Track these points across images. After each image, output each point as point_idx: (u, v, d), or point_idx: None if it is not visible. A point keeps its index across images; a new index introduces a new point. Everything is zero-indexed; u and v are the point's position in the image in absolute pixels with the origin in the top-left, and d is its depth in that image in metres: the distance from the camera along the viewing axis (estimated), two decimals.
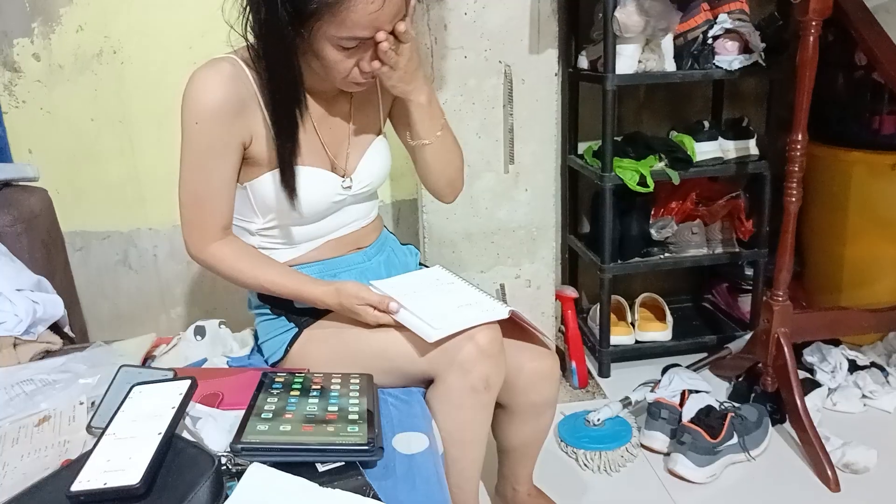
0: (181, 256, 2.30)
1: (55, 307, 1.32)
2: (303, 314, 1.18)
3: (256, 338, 1.29)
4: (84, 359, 1.19)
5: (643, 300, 2.17)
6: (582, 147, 2.16)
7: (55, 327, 1.37)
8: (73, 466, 0.75)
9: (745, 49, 1.82)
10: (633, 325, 2.08)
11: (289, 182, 1.07)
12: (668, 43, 1.82)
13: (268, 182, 1.10)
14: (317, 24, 0.94)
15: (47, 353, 1.28)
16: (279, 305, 1.19)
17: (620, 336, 2.05)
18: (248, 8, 0.99)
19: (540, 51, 1.69)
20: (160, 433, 0.78)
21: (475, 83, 1.69)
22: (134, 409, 0.84)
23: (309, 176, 1.11)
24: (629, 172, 1.84)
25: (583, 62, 1.96)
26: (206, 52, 2.06)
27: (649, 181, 1.82)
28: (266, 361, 1.22)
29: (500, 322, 1.06)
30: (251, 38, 1.02)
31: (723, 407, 1.65)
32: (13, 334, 1.24)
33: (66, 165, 2.15)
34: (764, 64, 1.82)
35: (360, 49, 0.99)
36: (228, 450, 0.83)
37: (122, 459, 0.75)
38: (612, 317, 2.07)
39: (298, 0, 0.92)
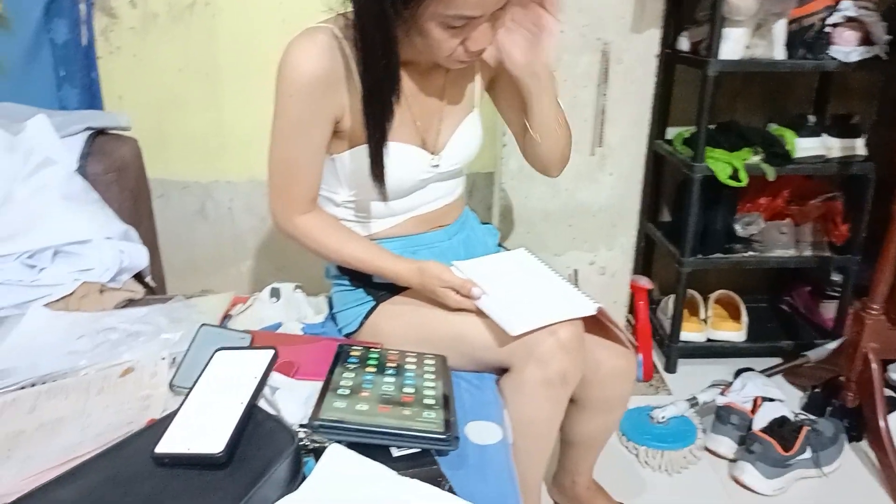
0: (256, 211, 2.34)
1: (140, 257, 1.35)
2: (380, 288, 1.17)
3: (331, 306, 1.29)
4: (165, 312, 1.21)
5: (718, 297, 2.09)
6: (671, 132, 2.07)
7: (137, 276, 1.40)
8: (158, 427, 0.76)
9: (865, 40, 1.69)
10: (706, 322, 2.01)
11: (377, 160, 1.05)
12: (780, 28, 1.70)
13: (356, 156, 1.08)
14: (423, 2, 0.90)
15: (130, 302, 1.31)
16: (358, 277, 1.18)
17: (691, 332, 1.98)
18: None
19: (641, 30, 1.61)
20: (242, 403, 0.78)
21: (569, 60, 1.63)
22: (217, 374, 0.84)
23: (398, 152, 1.08)
24: (721, 164, 1.75)
25: (683, 44, 1.86)
26: (296, 7, 2.07)
27: (742, 175, 1.73)
28: (339, 331, 1.22)
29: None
30: (349, 8, 0.99)
31: (798, 419, 1.58)
32: (100, 281, 1.28)
33: (153, 113, 2.19)
34: (886, 58, 1.69)
35: (466, 28, 0.94)
36: (305, 423, 0.83)
37: (205, 426, 0.75)
38: (684, 311, 2.00)
39: None
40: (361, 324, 1.17)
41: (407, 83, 1.10)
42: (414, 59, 1.07)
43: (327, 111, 1.03)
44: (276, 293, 1.32)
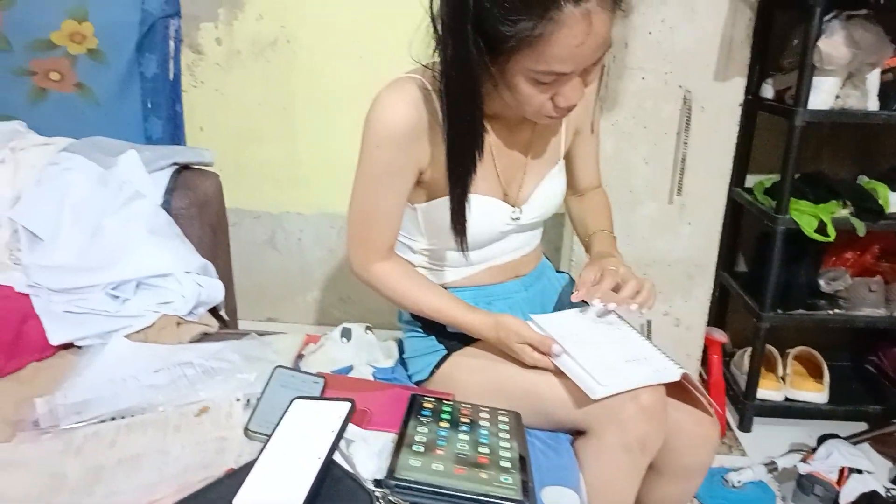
0: (324, 243, 2.37)
1: (217, 292, 1.37)
2: (452, 337, 1.15)
3: (401, 350, 1.27)
4: (239, 349, 1.22)
5: (797, 353, 1.99)
6: (751, 180, 2.00)
7: (212, 309, 1.43)
8: (236, 478, 0.76)
9: None
10: (784, 380, 1.91)
11: (459, 213, 1.03)
12: (873, 78, 1.63)
13: (437, 207, 1.07)
14: (513, 57, 0.88)
15: (205, 335, 1.33)
16: (430, 325, 1.17)
17: (768, 390, 1.88)
18: (434, 33, 0.94)
19: (726, 78, 1.57)
20: (320, 458, 0.77)
21: (651, 106, 1.60)
22: (294, 425, 0.84)
23: (479, 204, 1.07)
24: (807, 217, 1.67)
25: (767, 91, 1.81)
26: (372, 47, 2.11)
27: (830, 230, 1.65)
28: (410, 377, 1.20)
29: None
30: (436, 60, 0.98)
31: (890, 494, 1.47)
32: (178, 314, 1.30)
33: (231, 145, 2.26)
34: None
35: (556, 83, 0.92)
36: (381, 480, 0.81)
37: (283, 479, 0.74)
38: (761, 368, 1.91)
39: (494, 34, 0.86)
40: (432, 372, 1.15)
41: (493, 136, 1.09)
42: (501, 113, 1.06)
43: (412, 162, 1.03)
44: (346, 334, 1.32)
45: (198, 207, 1.46)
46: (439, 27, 0.92)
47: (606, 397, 0.94)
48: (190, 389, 1.07)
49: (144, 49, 2.11)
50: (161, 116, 2.19)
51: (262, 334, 1.30)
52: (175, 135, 2.25)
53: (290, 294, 2.46)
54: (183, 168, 1.54)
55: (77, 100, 2.13)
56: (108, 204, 1.34)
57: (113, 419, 1.00)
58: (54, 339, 1.18)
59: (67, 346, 1.22)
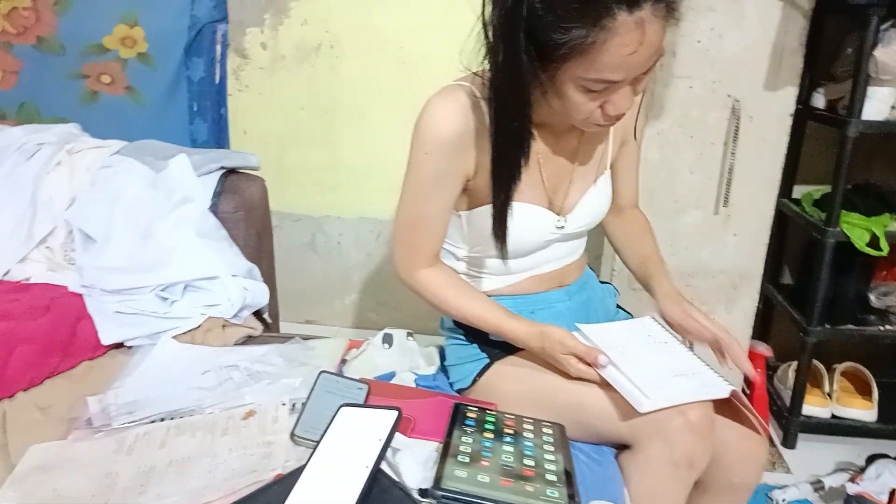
0: (363, 247, 2.39)
1: (262, 295, 1.39)
2: (495, 346, 1.15)
3: (443, 357, 1.28)
4: (283, 353, 1.24)
5: (845, 369, 1.93)
6: (798, 191, 1.95)
7: (256, 312, 1.45)
8: (284, 484, 0.77)
9: None
10: (831, 397, 1.86)
11: (500, 220, 1.03)
12: None
13: (483, 215, 1.07)
14: (564, 64, 0.88)
15: (249, 338, 1.35)
16: (473, 333, 1.17)
17: (814, 406, 1.84)
18: (485, 40, 0.94)
19: (776, 87, 1.54)
20: (368, 467, 0.77)
21: (697, 115, 1.57)
22: (341, 433, 0.85)
23: (524, 212, 1.07)
24: (858, 230, 1.63)
25: (818, 100, 1.76)
26: (415, 53, 2.12)
27: (883, 244, 1.61)
28: (451, 385, 1.20)
29: None
30: (485, 67, 0.98)
31: None
32: (224, 317, 1.33)
33: (274, 148, 2.30)
34: None
35: (606, 91, 0.91)
36: (426, 490, 0.81)
37: (331, 487, 0.75)
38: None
39: (546, 41, 0.85)
40: (474, 381, 1.15)
41: (540, 144, 1.08)
42: (548, 121, 1.06)
43: (460, 169, 1.04)
44: (388, 339, 1.32)
45: (244, 211, 1.48)
46: (490, 33, 0.92)
47: (653, 411, 0.93)
48: (236, 392, 1.08)
49: (192, 53, 2.16)
50: (206, 119, 2.24)
51: (305, 338, 1.31)
52: (219, 137, 2.29)
53: (328, 297, 2.49)
54: (230, 172, 1.56)
55: (126, 102, 2.19)
56: (158, 207, 1.37)
57: (162, 420, 1.02)
58: (106, 338, 1.21)
59: (118, 346, 1.25)
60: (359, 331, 2.49)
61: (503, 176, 1.01)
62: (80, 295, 1.29)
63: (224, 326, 1.33)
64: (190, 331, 1.29)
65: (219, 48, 2.21)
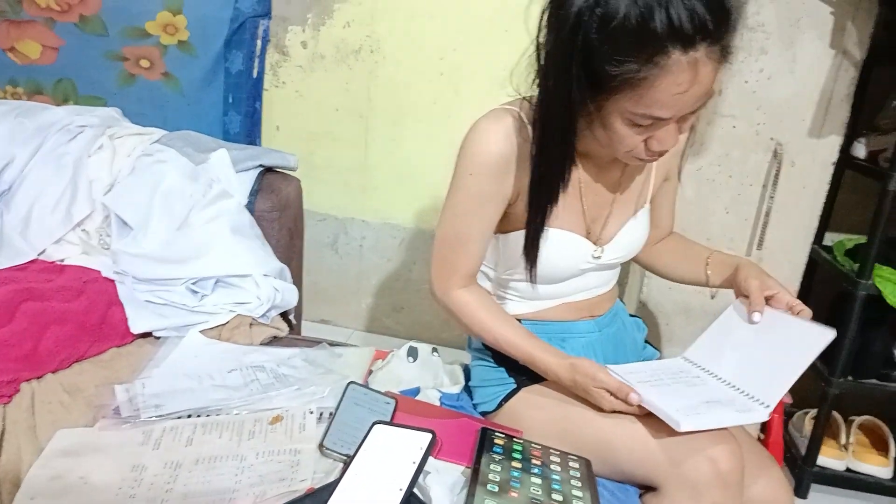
0: (384, 252, 2.39)
1: (292, 297, 1.39)
2: (523, 372, 1.14)
3: (467, 377, 1.27)
4: (310, 358, 1.23)
5: (862, 422, 1.91)
6: (830, 238, 1.94)
7: (283, 313, 1.44)
8: (316, 498, 0.76)
9: None
10: (846, 449, 1.84)
11: (533, 244, 1.03)
12: None
13: (520, 238, 1.07)
14: (613, 96, 0.88)
15: (275, 339, 1.35)
16: (501, 357, 1.16)
17: (829, 458, 1.81)
18: (538, 65, 0.94)
19: (821, 135, 1.53)
20: (401, 490, 0.77)
21: (738, 156, 1.57)
22: (375, 451, 0.84)
23: (561, 239, 1.06)
24: (892, 286, 1.61)
25: (859, 150, 1.75)
26: (454, 64, 2.12)
27: None
28: (475, 407, 1.20)
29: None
30: (535, 92, 0.98)
31: None
32: (253, 315, 1.32)
33: (305, 146, 2.30)
34: None
35: (652, 127, 0.91)
36: None
37: None
38: None
39: (598, 71, 0.85)
40: (500, 405, 1.14)
41: (582, 173, 1.08)
42: (592, 151, 1.06)
43: (503, 192, 1.04)
44: (413, 353, 1.32)
45: (279, 211, 1.48)
46: (543, 58, 0.92)
47: (692, 432, 0.91)
48: (262, 395, 1.08)
49: (232, 46, 2.17)
50: (240, 112, 2.25)
51: (332, 345, 1.31)
52: (252, 131, 2.30)
53: (345, 298, 2.49)
54: (267, 170, 1.56)
55: (163, 88, 2.20)
56: (196, 200, 1.37)
57: (189, 416, 1.01)
58: (136, 327, 1.21)
59: (145, 335, 1.25)
60: (372, 335, 2.49)
61: (540, 200, 1.01)
62: (113, 281, 1.29)
63: (251, 325, 1.33)
64: (217, 326, 1.29)
65: (259, 43, 2.22)
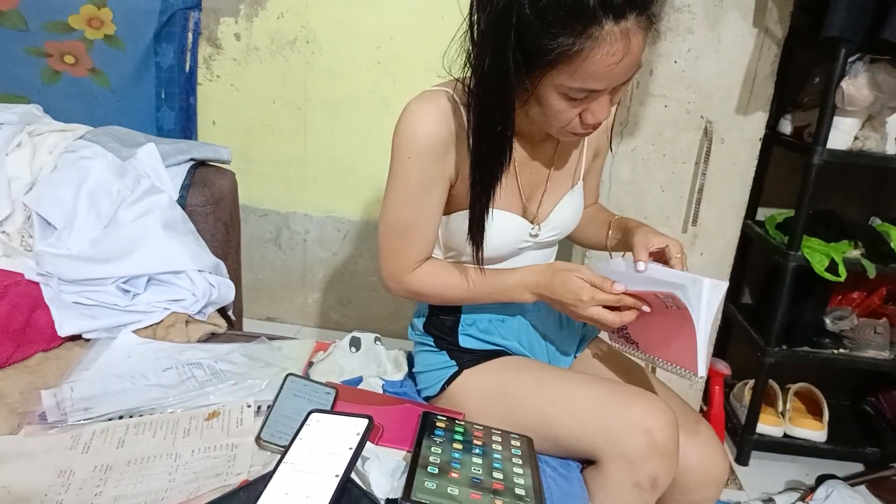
0: (328, 245, 2.36)
1: (228, 292, 1.36)
2: (464, 354, 1.15)
3: (411, 363, 1.27)
4: (249, 352, 1.21)
5: (798, 389, 1.99)
6: (762, 213, 2.00)
7: (220, 309, 1.41)
8: (251, 490, 0.75)
9: None
10: (784, 416, 1.91)
11: (479, 225, 1.03)
12: (893, 122, 1.64)
13: (459, 220, 1.06)
14: (549, 72, 0.88)
15: (213, 335, 1.32)
16: (443, 340, 1.16)
17: (768, 425, 1.88)
18: (471, 46, 0.94)
19: (748, 112, 1.58)
20: (337, 476, 0.76)
21: (671, 135, 1.60)
22: (311, 440, 0.83)
23: (499, 219, 1.06)
24: (819, 255, 1.67)
25: (785, 127, 1.81)
26: (391, 53, 2.11)
27: (842, 270, 1.66)
28: (419, 392, 1.19)
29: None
30: (468, 74, 0.98)
31: None
32: (188, 312, 1.29)
33: (242, 141, 2.26)
34: None
35: (587, 100, 0.92)
36: (396, 498, 0.80)
37: (300, 495, 0.73)
38: None
39: (533, 48, 0.86)
40: (443, 388, 1.14)
41: (517, 152, 1.08)
42: (525, 129, 1.06)
43: (444, 173, 1.03)
44: (356, 343, 1.31)
45: (213, 205, 1.44)
46: (478, 38, 0.92)
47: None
48: (199, 392, 1.05)
49: (162, 39, 2.11)
50: (174, 107, 2.19)
51: (271, 338, 1.29)
52: (187, 127, 2.24)
53: (290, 294, 2.45)
54: (200, 164, 1.52)
55: (90, 84, 2.12)
56: (124, 196, 1.32)
57: (121, 417, 0.98)
58: (63, 330, 1.16)
59: (75, 338, 1.20)
60: (320, 330, 2.46)
61: (483, 181, 1.00)
62: (37, 283, 1.23)
63: (187, 322, 1.29)
64: (151, 325, 1.25)
65: (190, 36, 2.17)
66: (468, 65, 0.97)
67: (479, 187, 1.01)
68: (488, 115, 0.95)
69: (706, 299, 0.92)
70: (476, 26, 0.91)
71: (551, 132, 1.01)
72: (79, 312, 1.20)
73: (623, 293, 0.99)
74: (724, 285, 0.95)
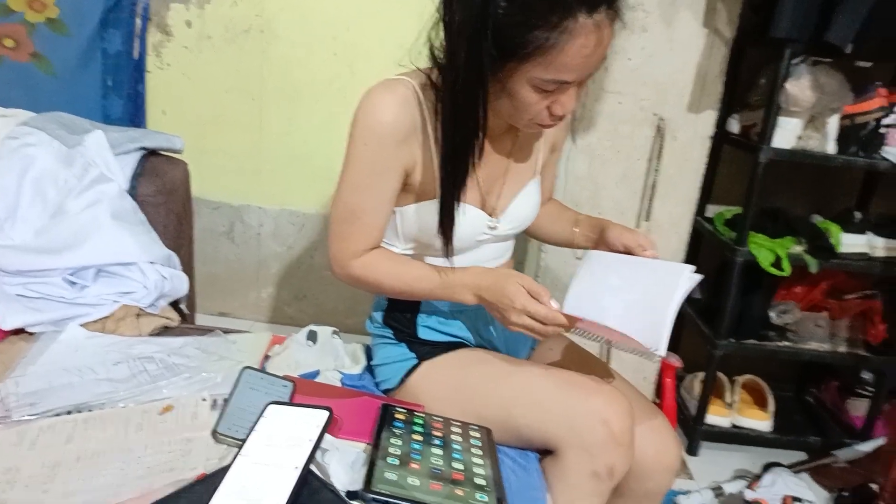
0: (283, 239, 2.32)
1: (181, 284, 1.33)
2: (423, 346, 1.15)
3: (369, 356, 1.26)
4: (203, 346, 1.18)
5: (744, 381, 2.05)
6: (711, 210, 2.06)
7: (173, 302, 1.38)
8: (208, 483, 0.73)
9: None
10: (731, 407, 1.97)
11: (449, 217, 1.03)
12: (833, 123, 1.70)
13: (420, 211, 1.06)
14: (522, 65, 0.89)
15: (165, 329, 1.28)
16: (401, 332, 1.16)
17: (716, 416, 1.93)
18: (445, 40, 0.93)
19: (699, 110, 1.62)
20: (297, 468, 0.75)
21: (625, 131, 1.63)
22: (269, 432, 0.82)
23: (459, 212, 1.06)
24: (764, 251, 1.73)
25: (733, 125, 1.86)
26: (348, 43, 2.09)
27: (785, 265, 1.71)
28: (377, 385, 1.19)
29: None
30: (437, 65, 0.98)
31: None
32: (139, 305, 1.25)
33: (194, 131, 2.20)
34: None
35: (556, 92, 0.93)
36: (355, 491, 0.80)
37: (258, 489, 0.72)
38: None
39: (508, 42, 0.87)
40: (402, 381, 1.14)
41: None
42: (490, 122, 1.06)
43: (399, 162, 1.02)
44: (312, 336, 1.29)
45: (165, 195, 1.40)
46: (453, 32, 0.91)
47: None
48: (151, 386, 1.03)
49: (109, 24, 2.04)
50: (122, 95, 2.12)
51: (226, 332, 1.26)
52: (135, 115, 2.17)
53: (244, 289, 2.41)
54: (150, 153, 1.48)
55: (32, 70, 2.04)
56: (71, 185, 1.28)
57: (69, 413, 0.95)
58: (5, 323, 1.11)
59: (18, 332, 1.15)
60: (274, 326, 2.42)
61: (455, 173, 1.00)
62: None
63: (138, 315, 1.25)
64: (101, 319, 1.21)
65: (139, 21, 2.10)
66: (433, 57, 0.97)
67: (450, 178, 1.01)
68: (461, 109, 0.95)
69: (685, 287, 0.98)
70: (450, 20, 0.91)
71: (518, 124, 1.01)
72: (23, 305, 1.15)
73: (559, 312, 0.98)
74: (699, 278, 1.00)
